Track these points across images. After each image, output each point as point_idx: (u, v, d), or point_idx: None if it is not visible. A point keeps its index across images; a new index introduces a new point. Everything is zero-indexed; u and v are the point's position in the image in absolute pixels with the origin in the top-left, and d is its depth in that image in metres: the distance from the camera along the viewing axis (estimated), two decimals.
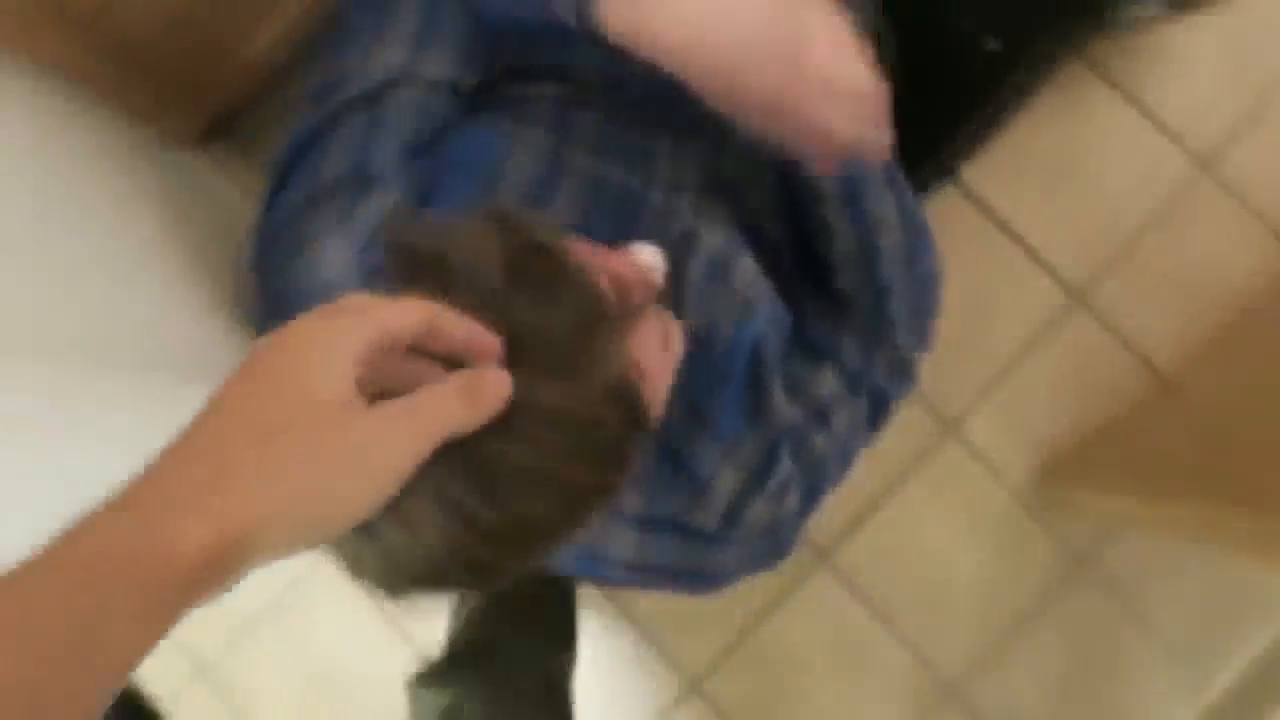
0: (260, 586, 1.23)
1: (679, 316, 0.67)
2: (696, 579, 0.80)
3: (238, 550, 0.32)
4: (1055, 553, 1.19)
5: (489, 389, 0.40)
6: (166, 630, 0.31)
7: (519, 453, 0.43)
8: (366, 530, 0.42)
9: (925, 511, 1.19)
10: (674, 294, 0.71)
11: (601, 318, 0.49)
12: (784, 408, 0.79)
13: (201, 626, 1.23)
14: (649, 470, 0.74)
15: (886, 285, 0.83)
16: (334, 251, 0.67)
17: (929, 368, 0.90)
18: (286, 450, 0.34)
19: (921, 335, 0.89)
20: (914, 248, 0.83)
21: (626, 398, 0.49)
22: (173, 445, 0.34)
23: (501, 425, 0.41)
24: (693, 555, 0.79)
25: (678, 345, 0.62)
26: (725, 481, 0.75)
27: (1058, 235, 1.21)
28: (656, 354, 0.59)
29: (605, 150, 0.74)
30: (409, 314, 0.38)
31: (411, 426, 0.36)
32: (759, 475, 0.77)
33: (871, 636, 1.20)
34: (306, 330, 0.37)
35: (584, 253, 0.53)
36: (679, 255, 0.72)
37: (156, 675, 1.25)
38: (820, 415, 0.83)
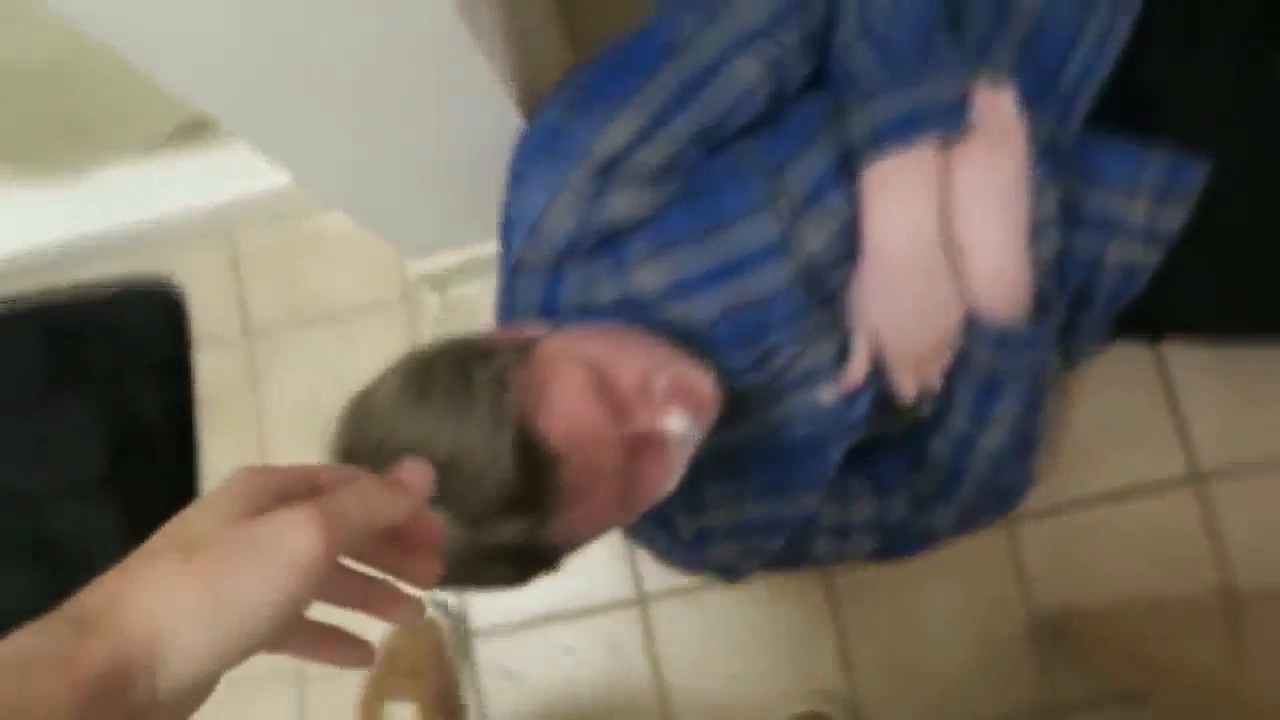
0: None
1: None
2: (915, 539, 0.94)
3: (143, 662, 0.34)
4: (1038, 691, 1.16)
5: (407, 484, 0.44)
6: None
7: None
8: None
9: (939, 584, 1.18)
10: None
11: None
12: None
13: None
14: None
15: (965, 470, 0.89)
16: (540, 194, 0.78)
17: None
18: (181, 563, 0.35)
19: (968, 526, 0.96)
20: (1010, 457, 0.88)
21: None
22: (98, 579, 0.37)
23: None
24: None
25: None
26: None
27: (1212, 421, 1.17)
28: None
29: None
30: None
31: (315, 517, 0.37)
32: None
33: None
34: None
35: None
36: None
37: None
38: (840, 531, 0.94)
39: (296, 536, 0.36)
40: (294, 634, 0.42)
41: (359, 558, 0.45)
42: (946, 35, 0.76)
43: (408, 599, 0.46)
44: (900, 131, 0.74)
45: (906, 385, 0.84)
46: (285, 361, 1.33)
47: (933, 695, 1.17)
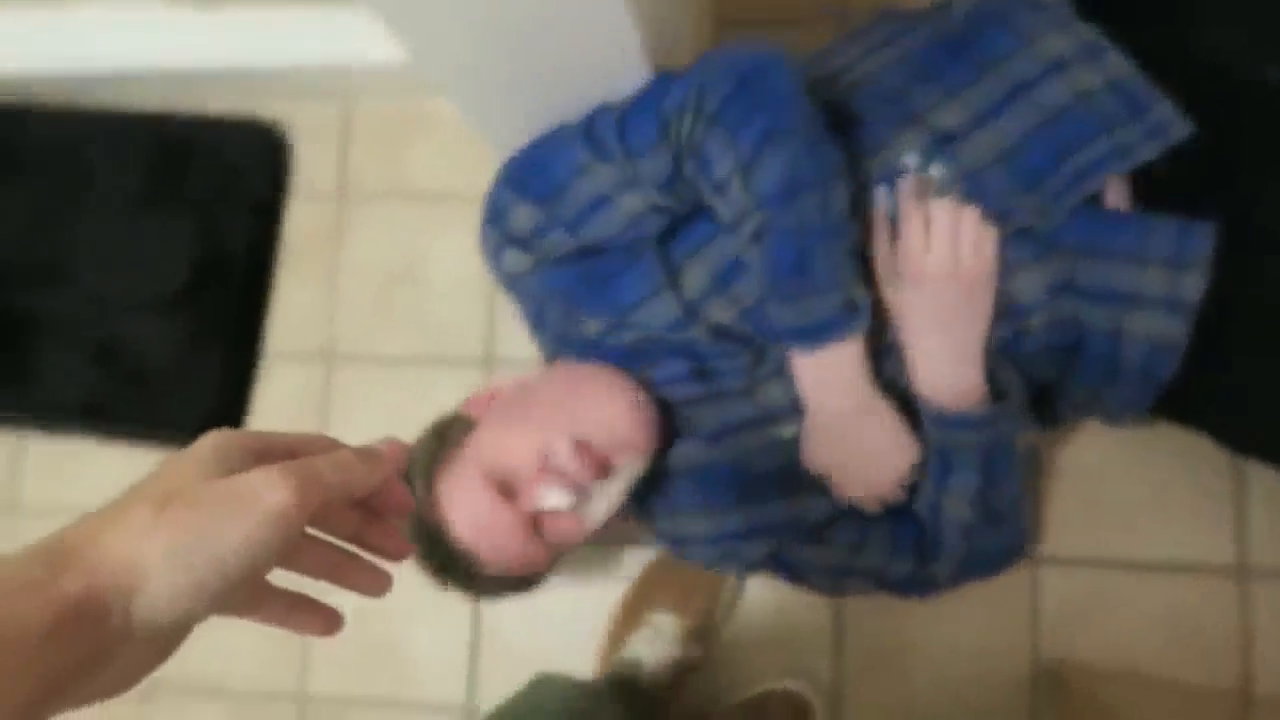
0: None
1: None
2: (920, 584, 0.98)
3: (117, 594, 0.35)
4: None
5: (380, 454, 0.45)
6: (49, 673, 0.33)
7: None
8: None
9: (953, 606, 1.15)
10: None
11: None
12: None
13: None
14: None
15: (940, 534, 0.93)
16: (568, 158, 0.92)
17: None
18: (156, 511, 0.37)
19: (965, 580, 0.98)
20: (977, 526, 0.90)
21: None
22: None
23: None
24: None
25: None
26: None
27: (1276, 521, 1.11)
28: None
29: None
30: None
31: (289, 476, 0.39)
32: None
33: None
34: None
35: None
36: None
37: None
38: (841, 570, 0.99)
39: (271, 492, 0.38)
40: (266, 601, 0.45)
41: (333, 531, 0.47)
42: (825, 245, 0.79)
43: (377, 571, 0.49)
44: (798, 340, 0.82)
45: (865, 505, 0.93)
46: (368, 230, 1.36)
47: (913, 709, 1.16)
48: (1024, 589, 1.15)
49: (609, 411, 0.87)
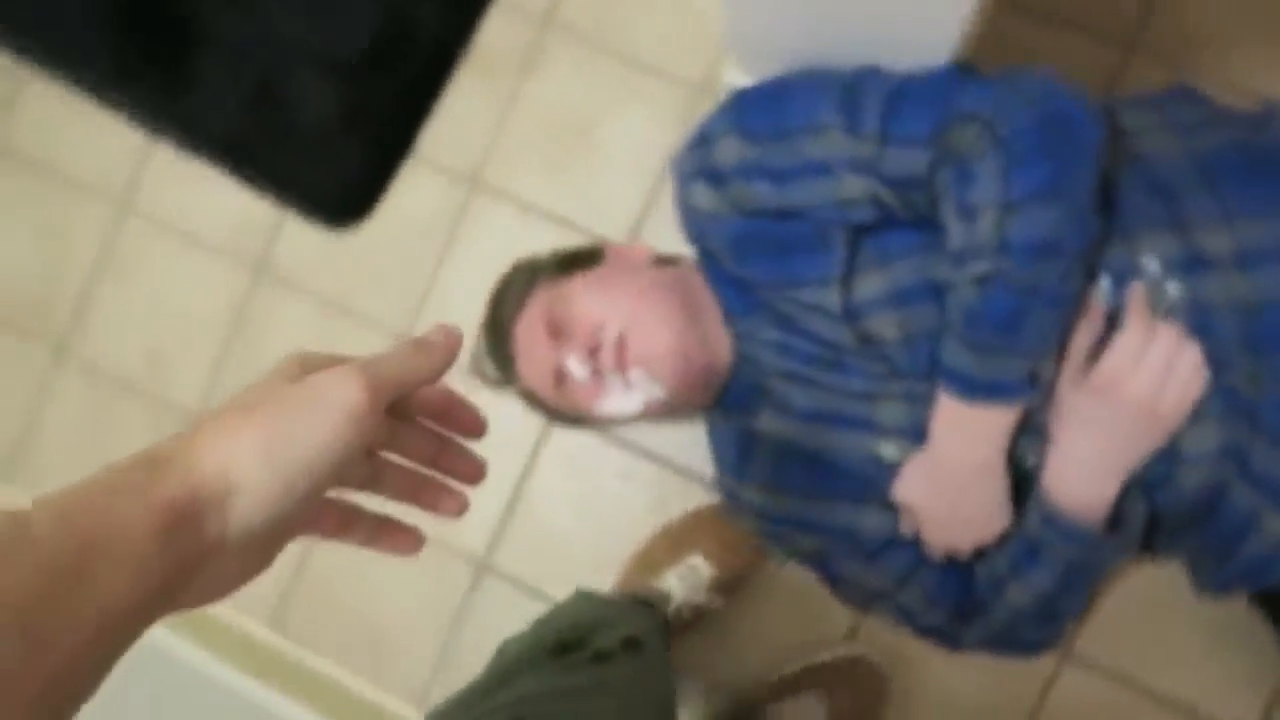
0: None
1: None
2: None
3: (213, 496, 0.37)
4: None
5: (437, 343, 0.47)
6: (154, 573, 0.35)
7: None
8: None
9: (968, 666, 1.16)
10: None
11: None
12: None
13: None
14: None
15: (991, 607, 0.91)
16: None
17: None
18: (243, 416, 0.40)
19: (990, 652, 0.96)
20: (1029, 617, 0.89)
21: None
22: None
23: None
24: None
25: None
26: None
27: None
28: None
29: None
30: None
31: (358, 371, 0.41)
32: None
33: None
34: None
35: None
36: None
37: None
38: (877, 595, 0.97)
39: (343, 388, 0.41)
40: (356, 523, 0.48)
41: (410, 455, 0.50)
42: (1045, 313, 0.76)
43: (454, 492, 0.52)
44: (963, 388, 0.78)
45: (933, 552, 0.91)
46: (561, 70, 1.29)
47: None
48: (1042, 674, 1.16)
49: (658, 336, 0.89)
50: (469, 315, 1.22)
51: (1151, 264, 0.78)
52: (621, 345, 0.89)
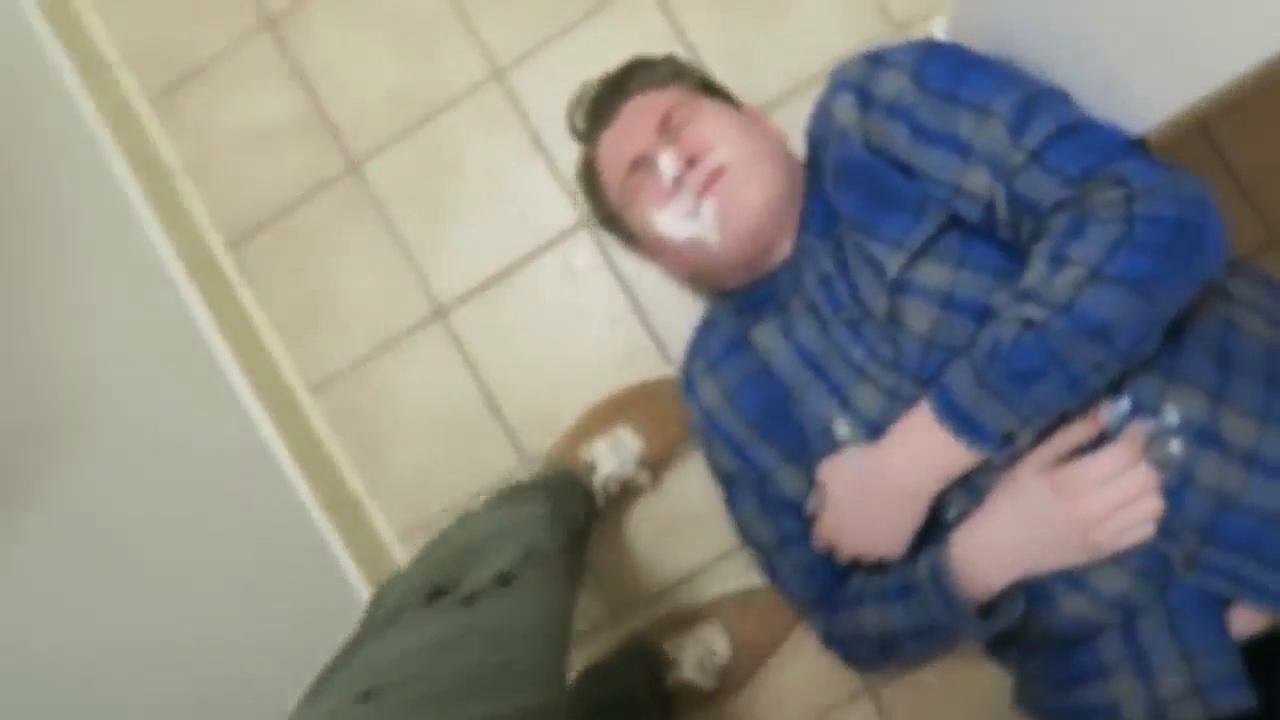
0: None
1: None
2: None
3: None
4: None
5: None
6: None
7: None
8: None
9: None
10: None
11: None
12: None
13: None
14: None
15: (840, 612, 0.96)
16: None
17: None
18: None
19: (821, 637, 1.00)
20: (870, 644, 0.93)
21: None
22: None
23: None
24: None
25: None
26: None
27: None
28: None
29: None
30: None
31: None
32: None
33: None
34: None
35: None
36: None
37: None
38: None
39: None
40: None
41: None
42: (1060, 385, 0.74)
43: None
44: (946, 413, 0.78)
45: (818, 539, 0.92)
46: None
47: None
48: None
49: (752, 190, 0.91)
50: (572, 87, 1.20)
51: (1172, 414, 0.77)
52: (718, 174, 0.91)
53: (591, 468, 1.12)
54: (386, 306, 1.28)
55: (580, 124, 1.07)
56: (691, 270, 1.03)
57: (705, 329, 1.06)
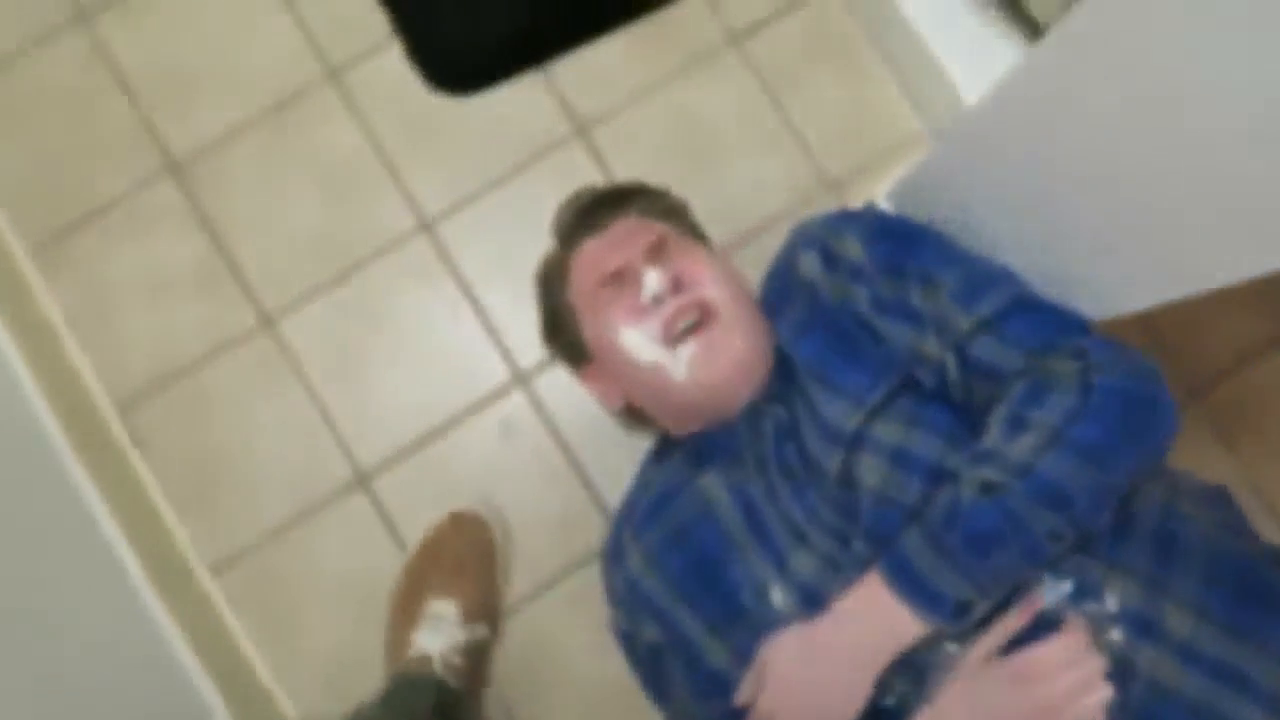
0: None
1: None
2: None
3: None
4: None
5: None
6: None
7: None
8: None
9: None
10: None
11: None
12: None
13: None
14: None
15: None
16: None
17: None
18: None
19: None
20: None
21: None
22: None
23: None
24: None
25: None
26: None
27: None
28: None
29: None
30: None
31: None
32: None
33: None
34: None
35: None
36: None
37: None
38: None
39: None
40: None
41: None
42: (1018, 557, 0.74)
43: None
44: (898, 578, 0.76)
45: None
46: (725, 86, 1.24)
47: None
48: None
49: (736, 337, 0.89)
50: (505, 238, 1.16)
51: (1111, 602, 0.77)
52: (707, 312, 0.89)
53: (427, 659, 1.04)
54: (301, 474, 1.17)
55: (563, 227, 1.03)
56: (636, 400, 0.97)
57: (637, 491, 1.01)
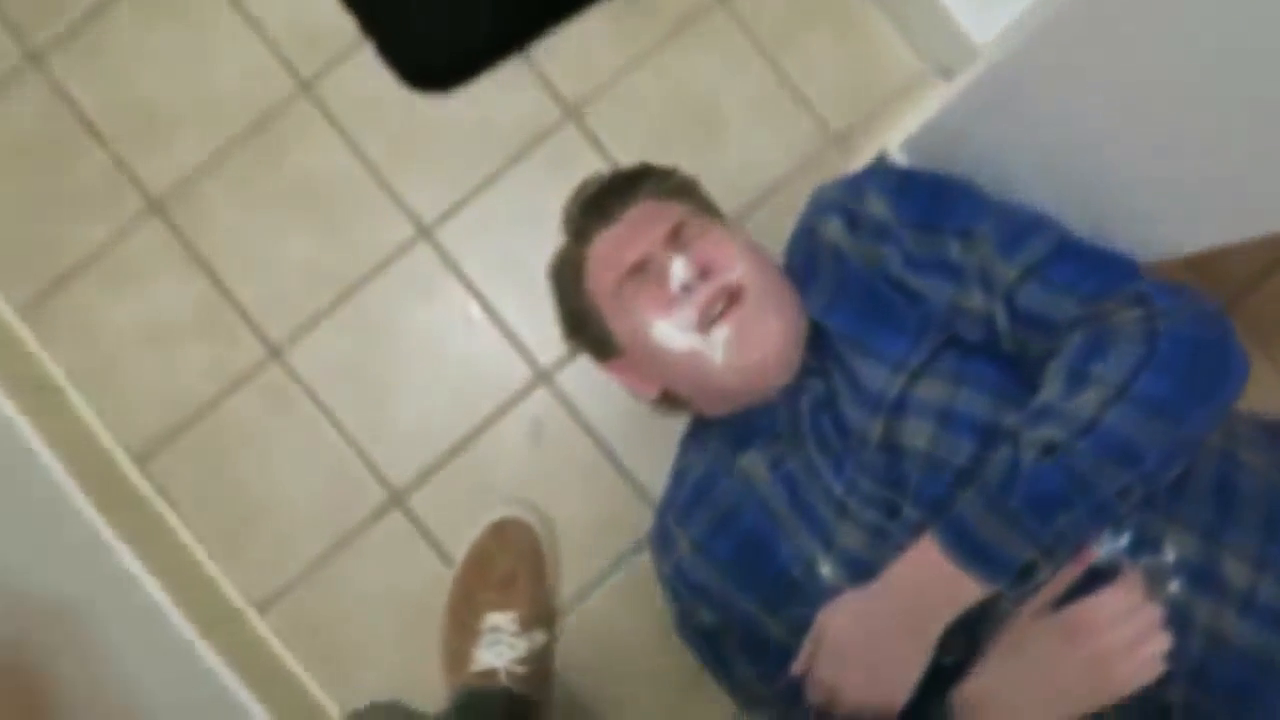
0: None
1: None
2: None
3: None
4: None
5: None
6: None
7: None
8: None
9: None
10: None
11: None
12: None
13: None
14: None
15: None
16: None
17: None
18: None
19: None
20: None
21: None
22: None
23: None
24: None
25: None
26: None
27: None
28: None
29: None
30: None
31: None
32: None
33: None
34: None
35: None
36: None
37: None
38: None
39: None
40: None
41: None
42: (1086, 515, 0.70)
43: None
44: (957, 545, 0.72)
45: (814, 693, 0.82)
46: (708, 54, 1.19)
47: None
48: None
49: (770, 319, 0.85)
50: (508, 236, 1.12)
51: (1170, 554, 0.75)
52: (736, 294, 0.84)
53: (491, 671, 1.04)
54: (333, 501, 1.15)
55: (573, 221, 0.98)
56: (673, 388, 0.94)
57: (678, 476, 0.98)
